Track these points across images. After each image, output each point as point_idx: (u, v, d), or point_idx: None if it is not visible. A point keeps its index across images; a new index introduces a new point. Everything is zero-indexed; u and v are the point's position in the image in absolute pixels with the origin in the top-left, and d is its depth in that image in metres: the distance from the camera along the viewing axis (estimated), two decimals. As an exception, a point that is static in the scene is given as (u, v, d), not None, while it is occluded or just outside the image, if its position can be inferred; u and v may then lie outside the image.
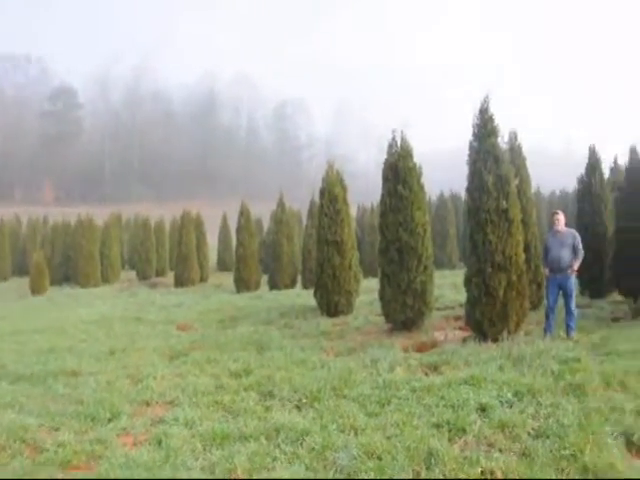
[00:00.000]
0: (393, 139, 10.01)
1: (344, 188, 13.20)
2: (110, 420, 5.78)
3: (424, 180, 9.94)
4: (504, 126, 8.49)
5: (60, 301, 21.45)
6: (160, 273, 31.19)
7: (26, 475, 4.45)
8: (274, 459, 4.44)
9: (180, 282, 25.41)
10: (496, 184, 8.07)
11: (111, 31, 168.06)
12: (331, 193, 12.78)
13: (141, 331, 11.80)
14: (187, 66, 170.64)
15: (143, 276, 29.91)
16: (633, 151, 12.26)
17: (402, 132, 10.09)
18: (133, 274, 31.42)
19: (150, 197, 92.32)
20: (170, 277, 28.32)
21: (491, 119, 8.30)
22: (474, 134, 8.43)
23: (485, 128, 8.28)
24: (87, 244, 28.19)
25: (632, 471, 4.00)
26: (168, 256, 32.47)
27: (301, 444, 4.66)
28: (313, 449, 4.54)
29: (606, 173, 14.21)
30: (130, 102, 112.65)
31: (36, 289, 25.23)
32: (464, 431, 4.72)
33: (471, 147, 8.50)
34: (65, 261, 30.43)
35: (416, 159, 10.02)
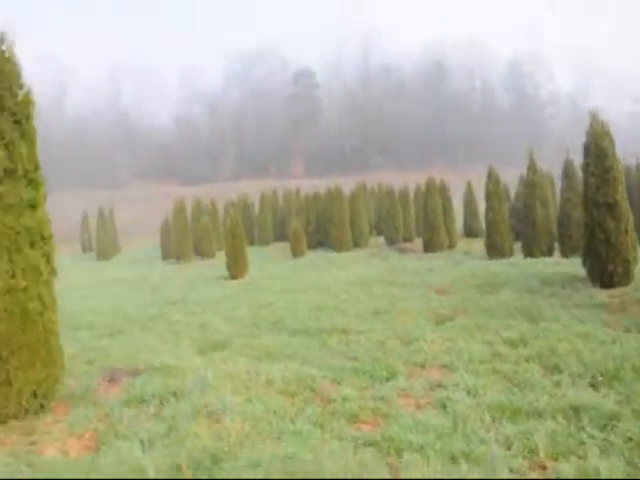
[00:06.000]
0: None
1: (612, 141, 11.37)
2: (388, 379, 5.80)
3: None
4: None
5: (318, 264, 22.94)
6: (407, 239, 31.51)
7: None
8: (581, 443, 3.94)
9: (428, 247, 25.36)
10: None
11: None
12: (598, 147, 11.14)
13: (398, 294, 11.85)
14: (410, 35, 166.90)
15: (391, 241, 30.52)
16: None
17: None
18: (381, 239, 32.31)
19: (389, 166, 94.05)
20: (417, 243, 28.43)
21: None
22: None
23: None
24: (337, 212, 29.80)
25: None
26: (414, 222, 32.66)
27: (612, 429, 4.07)
28: (630, 439, 3.92)
29: None
30: (361, 78, 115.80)
31: (296, 252, 27.53)
32: None
33: None
34: (318, 228, 32.51)
35: None
